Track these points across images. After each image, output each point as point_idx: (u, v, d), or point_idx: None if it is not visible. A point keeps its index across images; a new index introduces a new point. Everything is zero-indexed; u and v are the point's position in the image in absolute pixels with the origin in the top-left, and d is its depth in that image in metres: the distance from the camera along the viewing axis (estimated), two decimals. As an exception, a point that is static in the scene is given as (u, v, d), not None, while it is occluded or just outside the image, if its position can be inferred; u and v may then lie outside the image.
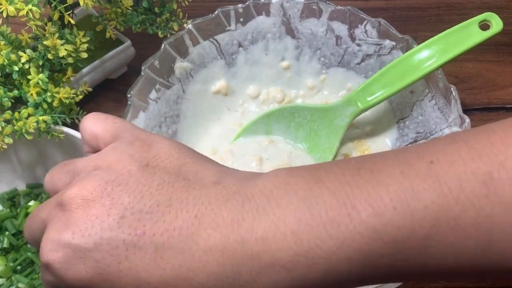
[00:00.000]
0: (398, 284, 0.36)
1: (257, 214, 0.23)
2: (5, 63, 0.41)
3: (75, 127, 0.45)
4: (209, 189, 0.24)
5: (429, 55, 0.44)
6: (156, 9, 0.50)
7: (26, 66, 0.42)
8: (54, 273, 0.24)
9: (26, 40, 0.43)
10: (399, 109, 0.50)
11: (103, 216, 0.23)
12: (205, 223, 0.23)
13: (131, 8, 0.48)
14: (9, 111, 0.41)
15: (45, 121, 0.41)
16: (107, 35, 0.49)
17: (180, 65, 0.48)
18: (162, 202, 0.23)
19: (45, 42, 0.41)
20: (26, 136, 0.41)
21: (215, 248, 0.22)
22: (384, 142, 0.51)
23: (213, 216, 0.23)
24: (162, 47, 0.46)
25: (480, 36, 0.43)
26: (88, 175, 0.25)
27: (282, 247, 0.22)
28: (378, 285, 0.36)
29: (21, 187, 0.48)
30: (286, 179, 0.24)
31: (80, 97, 0.45)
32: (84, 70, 0.50)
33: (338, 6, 0.48)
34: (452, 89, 0.44)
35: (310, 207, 0.22)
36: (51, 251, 0.24)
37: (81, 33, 0.44)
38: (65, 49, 0.42)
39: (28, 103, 0.42)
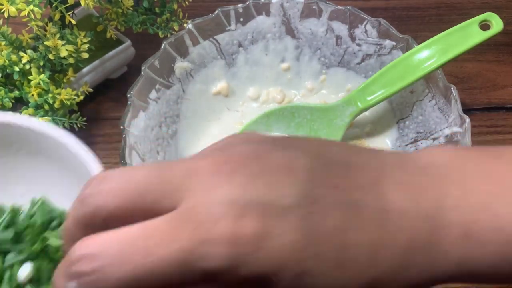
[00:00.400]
0: None
1: (440, 183, 0.21)
2: (6, 64, 0.41)
3: (73, 132, 0.45)
4: (370, 159, 0.21)
5: (429, 55, 0.44)
6: (157, 9, 0.50)
7: (27, 66, 0.42)
8: (244, 251, 0.17)
9: (27, 40, 0.43)
10: (399, 109, 0.50)
11: (290, 168, 0.19)
12: (389, 185, 0.20)
13: (131, 8, 0.48)
14: (10, 112, 0.41)
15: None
16: (108, 35, 0.49)
17: (180, 65, 0.48)
18: (334, 162, 0.20)
19: (46, 43, 0.41)
20: (27, 137, 0.41)
21: (410, 211, 0.20)
22: (384, 142, 0.51)
23: (393, 179, 0.20)
24: (162, 47, 0.46)
25: (480, 36, 0.43)
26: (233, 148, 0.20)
27: (477, 219, 0.20)
28: None
29: None
30: (455, 153, 0.22)
31: (81, 98, 0.45)
32: (84, 70, 0.50)
33: (338, 6, 0.48)
34: (452, 88, 0.44)
35: (499, 181, 0.21)
36: (240, 218, 0.17)
37: (82, 33, 0.44)
38: (66, 50, 0.42)
39: (29, 104, 0.42)
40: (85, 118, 0.45)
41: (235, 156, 0.19)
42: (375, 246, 0.19)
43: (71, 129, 0.44)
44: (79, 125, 0.45)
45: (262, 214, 0.18)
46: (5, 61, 0.41)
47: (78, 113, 0.45)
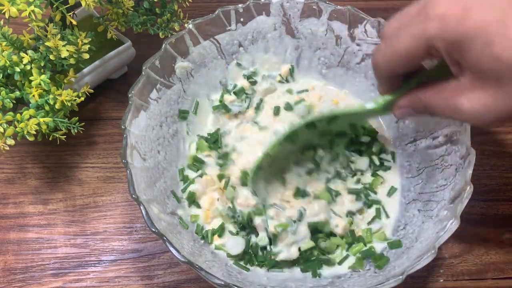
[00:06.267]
0: (397, 283, 0.36)
1: None
2: (6, 64, 0.41)
3: (70, 133, 0.45)
4: None
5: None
6: (157, 10, 0.50)
7: (28, 67, 0.42)
8: (446, 22, 0.30)
9: (28, 41, 0.43)
10: (398, 108, 0.50)
11: None
12: None
13: (132, 9, 0.48)
14: (11, 113, 0.41)
15: (46, 123, 0.41)
16: (109, 35, 0.49)
17: (181, 64, 0.48)
18: None
19: (47, 43, 0.41)
20: (28, 138, 0.41)
21: None
22: (384, 141, 0.51)
23: None
24: (163, 47, 0.46)
25: None
26: None
27: None
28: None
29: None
30: None
31: (82, 99, 0.45)
32: (85, 70, 0.51)
33: (338, 6, 0.49)
34: (451, 88, 0.44)
35: None
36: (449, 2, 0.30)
37: (83, 34, 0.44)
38: (67, 50, 0.42)
39: (30, 105, 0.42)
40: (83, 123, 0.45)
41: None
42: None
43: (69, 131, 0.44)
44: (76, 130, 0.44)
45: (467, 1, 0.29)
46: (6, 62, 0.41)
47: (77, 118, 0.45)
